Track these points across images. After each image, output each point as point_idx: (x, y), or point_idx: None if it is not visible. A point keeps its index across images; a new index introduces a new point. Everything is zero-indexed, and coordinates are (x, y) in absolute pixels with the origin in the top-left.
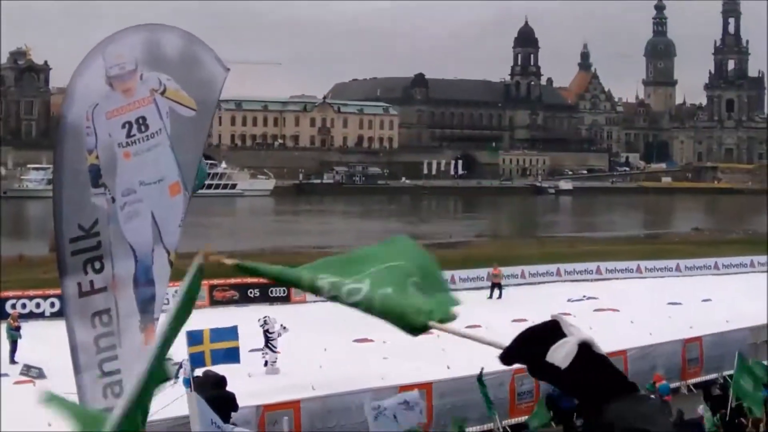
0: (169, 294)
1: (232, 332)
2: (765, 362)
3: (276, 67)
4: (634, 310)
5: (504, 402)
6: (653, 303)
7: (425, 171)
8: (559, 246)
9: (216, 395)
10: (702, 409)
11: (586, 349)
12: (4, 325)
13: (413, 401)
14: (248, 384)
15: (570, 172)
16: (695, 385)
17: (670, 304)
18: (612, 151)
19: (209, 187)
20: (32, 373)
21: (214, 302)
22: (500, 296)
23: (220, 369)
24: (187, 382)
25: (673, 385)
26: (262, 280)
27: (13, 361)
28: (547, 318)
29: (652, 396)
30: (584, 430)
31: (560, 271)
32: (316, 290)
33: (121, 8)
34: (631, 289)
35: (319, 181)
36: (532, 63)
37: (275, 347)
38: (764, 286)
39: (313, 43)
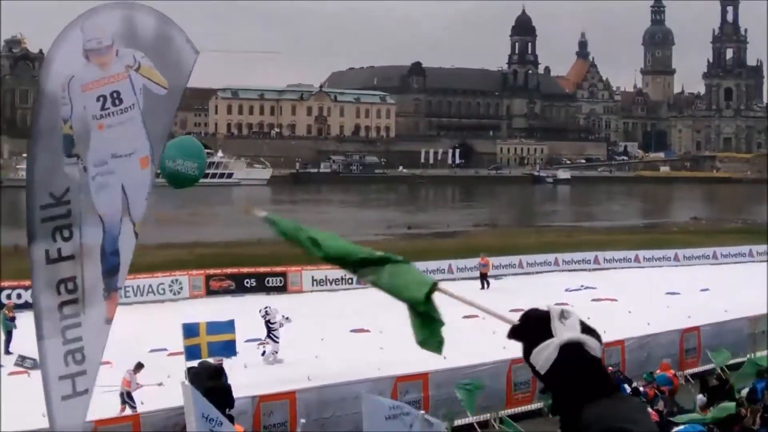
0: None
1: (229, 325)
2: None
3: (272, 56)
4: (632, 300)
5: (501, 392)
6: (651, 293)
7: (422, 160)
8: (557, 235)
9: (213, 386)
10: (700, 400)
11: (571, 348)
12: None
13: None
14: (244, 375)
15: (568, 162)
16: (693, 375)
17: (668, 293)
18: (610, 141)
19: (205, 176)
20: (27, 363)
21: (210, 292)
22: (485, 287)
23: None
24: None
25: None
26: (258, 270)
27: (7, 352)
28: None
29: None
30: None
31: (558, 261)
32: (338, 261)
33: None
34: (629, 279)
35: (315, 170)
36: (529, 51)
37: (277, 337)
38: (763, 276)
39: (310, 31)
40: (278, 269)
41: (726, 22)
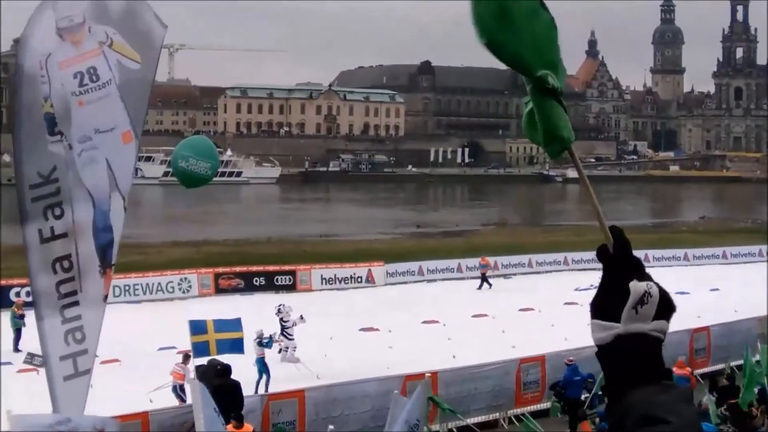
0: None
1: (236, 324)
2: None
3: (281, 55)
4: None
5: (510, 392)
6: None
7: (431, 159)
8: (566, 234)
9: (221, 384)
10: (706, 400)
11: (630, 336)
12: (7, 313)
13: None
14: (252, 373)
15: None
16: (702, 376)
17: (677, 293)
18: (620, 140)
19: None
20: (36, 361)
21: (219, 290)
22: (480, 287)
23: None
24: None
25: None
26: (267, 268)
27: (16, 350)
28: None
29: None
30: (606, 413)
31: (567, 260)
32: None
33: None
34: None
35: (325, 169)
36: None
37: (291, 335)
38: None
39: (319, 30)
40: (287, 268)
41: (736, 21)
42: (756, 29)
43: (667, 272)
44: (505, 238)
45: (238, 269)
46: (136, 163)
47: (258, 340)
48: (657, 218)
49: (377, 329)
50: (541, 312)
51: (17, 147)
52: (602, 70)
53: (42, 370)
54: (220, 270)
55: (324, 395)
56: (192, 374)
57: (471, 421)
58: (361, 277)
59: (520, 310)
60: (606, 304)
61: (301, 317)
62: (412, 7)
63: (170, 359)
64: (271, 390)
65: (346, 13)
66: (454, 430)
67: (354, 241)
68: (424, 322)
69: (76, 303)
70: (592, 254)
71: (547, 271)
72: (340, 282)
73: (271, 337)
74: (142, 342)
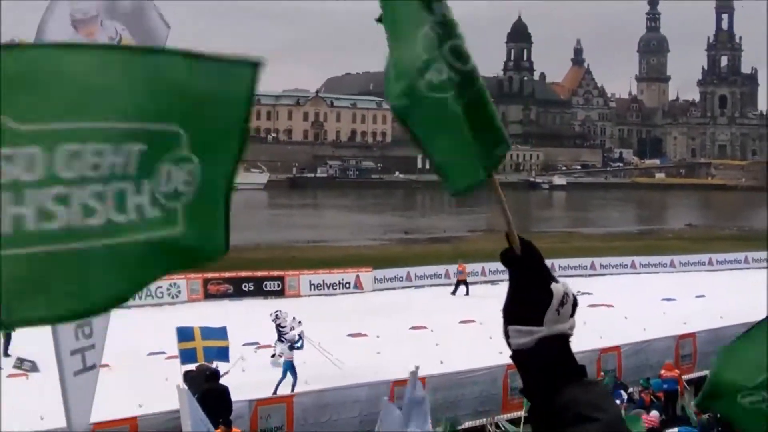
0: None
1: (222, 332)
2: None
3: (269, 60)
4: (628, 306)
5: (497, 397)
6: (647, 299)
7: (419, 165)
8: (552, 241)
9: (209, 389)
10: (693, 406)
11: (552, 338)
12: None
13: None
14: (241, 378)
15: (564, 168)
16: (688, 382)
17: (664, 299)
18: (605, 147)
19: None
20: (25, 366)
21: (208, 296)
22: (454, 292)
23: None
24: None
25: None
26: (256, 274)
27: (6, 354)
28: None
29: (629, 402)
30: (529, 416)
31: (554, 267)
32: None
33: None
34: (625, 285)
35: (312, 175)
36: (525, 58)
37: (287, 341)
38: (758, 282)
39: (306, 36)
40: (276, 273)
41: (721, 30)
42: (741, 37)
43: (654, 279)
44: (493, 245)
45: (227, 275)
46: None
47: (289, 344)
48: (643, 225)
49: (365, 335)
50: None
51: None
52: (588, 77)
53: (32, 375)
54: (209, 275)
55: (312, 400)
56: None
57: (459, 427)
58: (349, 283)
59: None
60: (523, 311)
61: (298, 321)
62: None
63: (159, 364)
64: (259, 395)
65: (335, 19)
66: None
67: (342, 247)
68: (412, 327)
69: None
70: (578, 261)
71: None
72: (328, 288)
73: (301, 337)
74: (132, 347)
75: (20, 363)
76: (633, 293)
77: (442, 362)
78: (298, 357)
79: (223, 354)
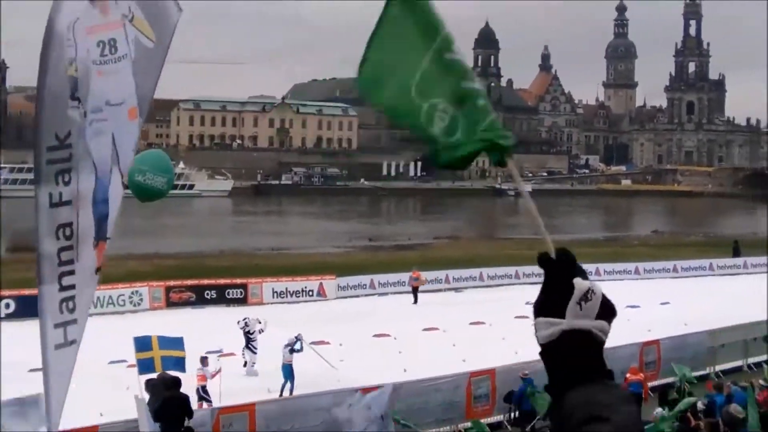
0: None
1: (179, 342)
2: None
3: (235, 67)
4: None
5: (460, 405)
6: None
7: (384, 172)
8: (518, 248)
9: (171, 396)
10: (658, 413)
11: (576, 334)
12: (8, 324)
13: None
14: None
15: (530, 174)
16: (653, 389)
17: (628, 306)
18: (572, 153)
19: None
20: None
21: (170, 303)
22: (415, 301)
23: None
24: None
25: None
26: (219, 282)
27: None
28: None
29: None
30: (548, 414)
31: (519, 274)
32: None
33: None
34: None
35: (277, 182)
36: (492, 64)
37: (255, 348)
38: (722, 289)
39: (272, 43)
40: (238, 281)
41: (689, 36)
42: (708, 44)
43: (619, 286)
44: (458, 252)
45: (189, 282)
46: (137, 143)
47: (289, 347)
48: (609, 232)
49: (328, 342)
50: (491, 325)
51: (39, 105)
52: (555, 83)
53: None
54: (172, 283)
55: (275, 408)
56: (210, 374)
57: None
58: (312, 291)
59: (471, 323)
60: (549, 304)
61: (260, 322)
62: (365, 21)
63: (121, 372)
64: (221, 403)
65: (300, 26)
66: None
67: (306, 255)
68: (376, 335)
69: (72, 272)
70: None
71: (498, 285)
72: (291, 295)
73: (298, 340)
74: (93, 355)
75: None
76: None
77: (405, 370)
78: (265, 365)
79: (180, 364)
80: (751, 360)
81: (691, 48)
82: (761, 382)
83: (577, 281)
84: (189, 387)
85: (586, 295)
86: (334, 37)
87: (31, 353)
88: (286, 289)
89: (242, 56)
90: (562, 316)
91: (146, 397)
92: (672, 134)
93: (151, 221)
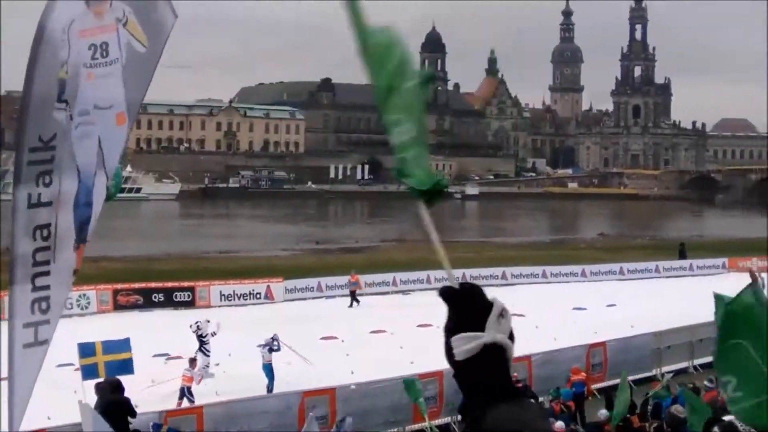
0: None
1: (124, 344)
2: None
3: (182, 71)
4: (540, 316)
5: (408, 407)
6: (558, 308)
7: (332, 176)
8: (465, 251)
9: (113, 400)
10: (603, 414)
11: (494, 349)
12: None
13: None
14: (151, 390)
15: (477, 177)
16: (599, 390)
17: (575, 309)
18: (518, 157)
19: None
20: None
21: (118, 307)
22: (351, 305)
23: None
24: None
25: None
26: (166, 285)
27: None
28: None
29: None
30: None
31: (466, 276)
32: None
33: None
34: (536, 295)
35: (225, 185)
36: (439, 68)
37: (209, 351)
38: (668, 291)
39: (220, 46)
40: (186, 284)
41: (634, 40)
42: (654, 48)
43: (565, 288)
44: (405, 255)
45: (137, 285)
46: (125, 147)
47: (268, 347)
48: (555, 235)
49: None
50: (438, 328)
51: (25, 106)
52: (502, 87)
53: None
54: (119, 286)
55: (223, 411)
56: (199, 375)
57: None
58: (260, 294)
59: (419, 326)
60: (466, 321)
61: (215, 324)
62: (313, 25)
63: (68, 375)
64: (169, 407)
65: (248, 29)
66: None
67: (253, 258)
68: (323, 338)
69: (47, 273)
70: (489, 270)
71: None
72: (239, 298)
73: (275, 340)
74: None
75: None
76: (544, 303)
77: (353, 372)
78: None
79: (126, 367)
80: (697, 361)
81: (637, 52)
82: (706, 383)
83: (495, 298)
84: (135, 389)
85: (502, 312)
86: (281, 40)
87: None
88: (234, 292)
89: (189, 60)
90: (482, 329)
91: (94, 400)
92: (618, 138)
93: (99, 224)
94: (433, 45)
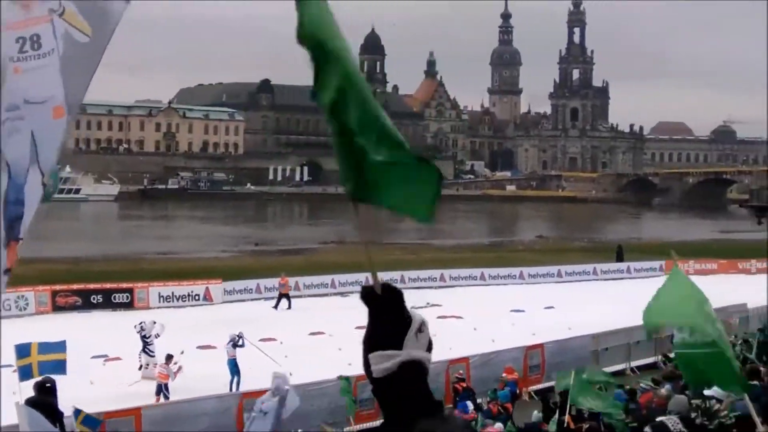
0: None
1: (60, 346)
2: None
3: (121, 71)
4: (478, 317)
5: (345, 408)
6: (496, 310)
7: (271, 177)
8: (402, 253)
9: (37, 401)
10: (535, 416)
11: (412, 365)
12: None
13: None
14: (90, 391)
15: None
16: (536, 392)
17: (513, 311)
18: (457, 159)
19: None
20: None
21: (56, 308)
22: (276, 306)
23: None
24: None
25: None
26: (105, 286)
27: None
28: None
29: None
30: None
31: (404, 278)
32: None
33: None
34: (474, 297)
35: (163, 186)
36: (378, 70)
37: (152, 352)
38: (606, 294)
39: (158, 46)
40: (125, 285)
41: (573, 43)
42: (592, 51)
43: (503, 290)
44: (344, 257)
45: (75, 287)
46: (65, 141)
47: (232, 342)
48: (494, 237)
49: (214, 347)
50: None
51: None
52: (441, 90)
53: None
54: (58, 287)
55: (161, 413)
56: (174, 373)
57: None
58: (198, 295)
59: (357, 327)
60: (383, 337)
61: (159, 325)
62: (252, 26)
63: (7, 377)
64: (107, 408)
65: (187, 29)
66: None
67: (192, 259)
68: (262, 339)
69: None
70: (428, 273)
71: None
72: (177, 300)
73: (240, 337)
74: None
75: None
76: (482, 305)
77: (291, 374)
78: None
79: (59, 367)
80: (634, 363)
81: (575, 55)
82: (642, 384)
83: (414, 312)
84: (78, 390)
85: (421, 327)
86: (220, 42)
87: None
88: (173, 293)
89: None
90: (398, 347)
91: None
92: (556, 140)
93: (37, 225)
94: (372, 47)
